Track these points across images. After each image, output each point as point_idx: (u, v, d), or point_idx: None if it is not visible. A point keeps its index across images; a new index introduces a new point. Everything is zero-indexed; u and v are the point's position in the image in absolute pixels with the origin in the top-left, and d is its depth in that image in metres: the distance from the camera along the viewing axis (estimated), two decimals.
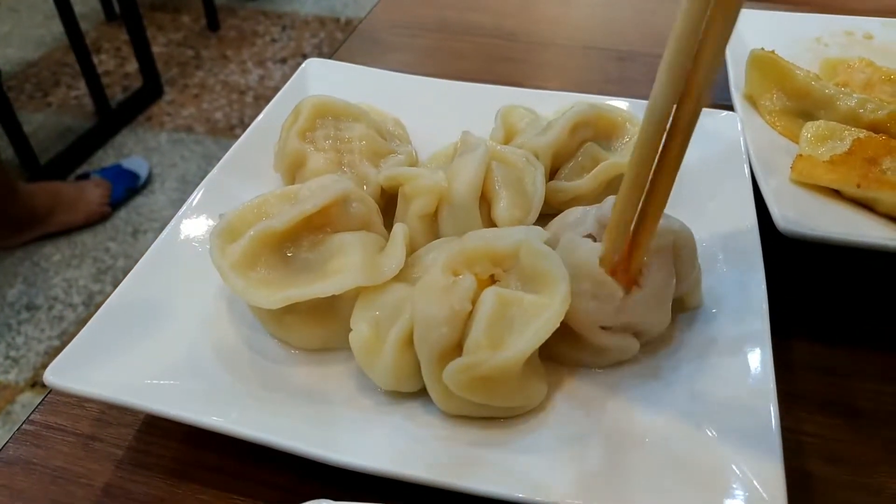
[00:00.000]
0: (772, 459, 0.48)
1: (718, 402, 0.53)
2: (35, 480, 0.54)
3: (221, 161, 0.73)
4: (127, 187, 2.62)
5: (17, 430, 0.57)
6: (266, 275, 0.58)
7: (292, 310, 0.58)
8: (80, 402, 0.60)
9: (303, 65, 0.89)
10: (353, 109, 0.74)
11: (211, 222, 0.67)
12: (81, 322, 2.14)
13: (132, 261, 2.29)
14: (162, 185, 2.70)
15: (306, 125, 0.71)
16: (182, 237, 0.66)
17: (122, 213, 2.56)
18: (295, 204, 0.61)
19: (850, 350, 0.65)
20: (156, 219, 2.53)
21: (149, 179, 2.72)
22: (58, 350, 2.03)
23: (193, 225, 0.67)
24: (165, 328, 0.59)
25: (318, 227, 0.61)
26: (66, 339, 2.10)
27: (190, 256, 0.65)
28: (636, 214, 0.51)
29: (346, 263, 0.58)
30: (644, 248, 0.53)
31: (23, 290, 2.27)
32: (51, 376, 0.52)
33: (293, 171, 0.71)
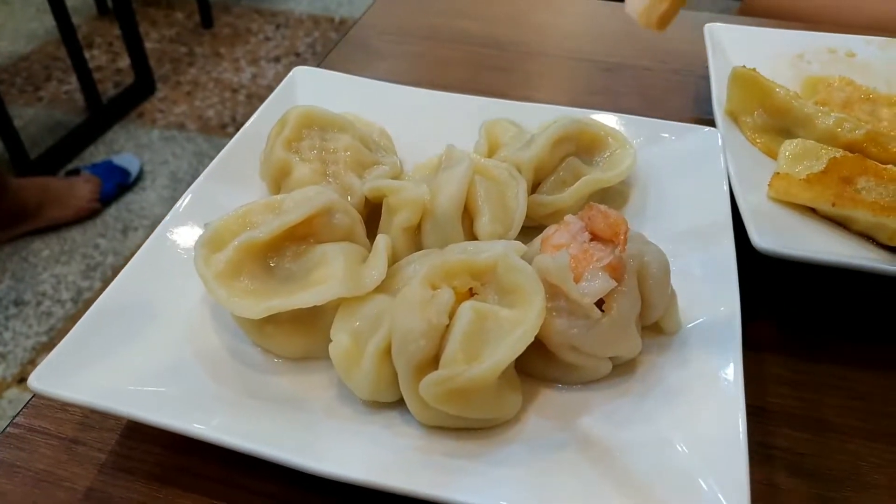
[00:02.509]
0: (737, 474, 0.49)
1: (689, 417, 0.55)
2: (18, 483, 0.55)
3: (209, 168, 0.74)
4: (117, 184, 2.62)
5: (1, 432, 0.58)
6: (249, 285, 0.59)
7: (274, 319, 0.59)
8: (64, 406, 0.60)
9: (290, 73, 0.89)
10: (339, 120, 0.75)
11: (197, 229, 0.68)
12: (70, 318, 2.14)
13: (121, 258, 2.29)
14: (153, 183, 2.70)
15: (292, 135, 0.72)
16: (168, 244, 0.67)
17: (113, 210, 2.56)
18: (279, 214, 0.62)
19: (820, 365, 0.67)
20: (146, 216, 2.53)
21: (139, 176, 2.72)
22: (46, 346, 2.05)
23: (180, 232, 0.68)
24: (149, 335, 0.60)
25: (301, 237, 0.62)
26: (54, 335, 2.10)
27: (175, 263, 0.66)
28: None
29: (329, 274, 0.59)
30: None
31: (11, 286, 2.27)
32: (35, 382, 0.52)
33: (278, 180, 0.72)
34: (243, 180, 0.75)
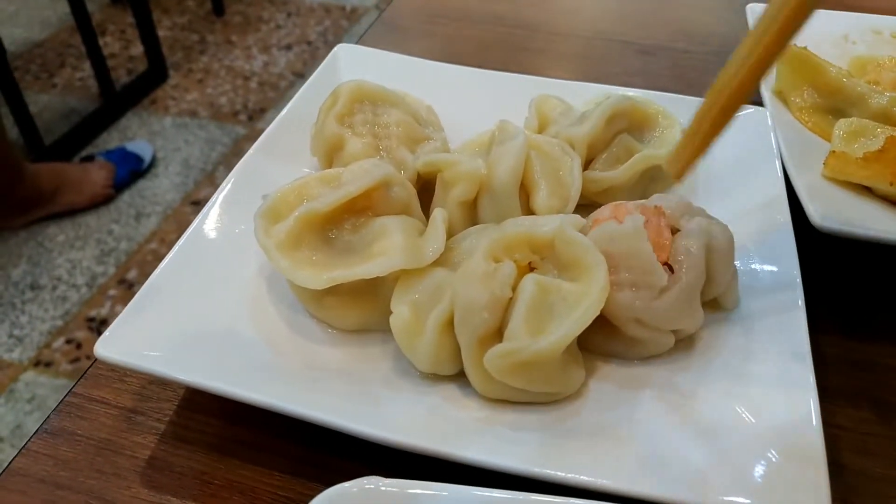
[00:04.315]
0: (813, 449, 0.49)
1: (757, 394, 0.54)
2: (80, 451, 0.55)
3: (256, 144, 0.74)
4: (131, 170, 2.61)
5: (61, 401, 0.58)
6: (310, 255, 0.58)
7: (333, 291, 0.58)
8: (122, 376, 0.60)
9: (334, 49, 0.89)
10: (390, 95, 0.74)
11: (248, 204, 0.67)
12: (85, 303, 2.15)
13: (135, 243, 2.29)
14: (166, 169, 2.70)
15: (344, 109, 0.71)
16: (220, 218, 0.67)
17: (126, 196, 2.56)
18: (337, 187, 0.61)
19: (882, 345, 0.66)
20: (159, 202, 2.52)
21: (153, 163, 2.71)
22: (61, 330, 2.05)
23: (231, 207, 0.68)
24: (206, 307, 0.60)
25: (359, 210, 0.61)
26: (69, 319, 2.10)
27: (229, 237, 0.65)
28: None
29: (389, 246, 0.58)
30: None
31: (27, 270, 2.27)
32: (101, 349, 0.52)
33: (331, 154, 0.71)
34: (291, 156, 0.75)
